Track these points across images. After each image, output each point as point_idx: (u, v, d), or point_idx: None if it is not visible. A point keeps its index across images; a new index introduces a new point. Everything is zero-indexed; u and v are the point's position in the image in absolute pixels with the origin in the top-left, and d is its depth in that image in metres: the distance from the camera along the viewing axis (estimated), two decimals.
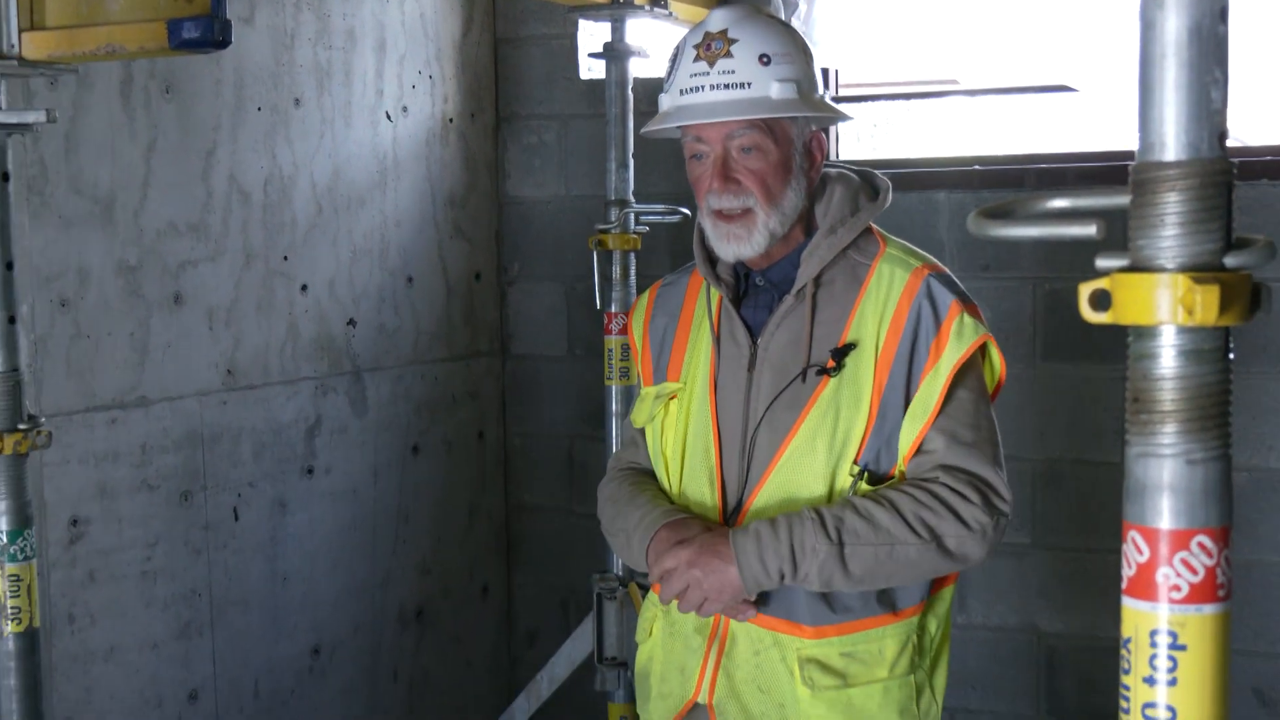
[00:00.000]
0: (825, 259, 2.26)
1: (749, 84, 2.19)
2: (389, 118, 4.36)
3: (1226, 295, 1.09)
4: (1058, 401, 4.18)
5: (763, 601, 2.24)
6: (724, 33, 2.20)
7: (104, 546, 3.54)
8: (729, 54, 2.19)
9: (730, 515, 2.31)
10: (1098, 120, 4.18)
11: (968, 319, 2.22)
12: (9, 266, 2.71)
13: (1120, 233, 1.13)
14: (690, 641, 2.34)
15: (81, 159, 3.45)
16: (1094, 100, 4.10)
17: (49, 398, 3.33)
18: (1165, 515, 1.12)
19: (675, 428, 2.39)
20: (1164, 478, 1.13)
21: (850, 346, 2.22)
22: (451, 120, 4.62)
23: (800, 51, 2.26)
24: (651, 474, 2.52)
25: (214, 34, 2.38)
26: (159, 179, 3.65)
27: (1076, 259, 4.12)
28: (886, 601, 2.25)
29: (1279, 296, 3.51)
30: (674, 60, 2.30)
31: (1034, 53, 4.10)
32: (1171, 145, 1.10)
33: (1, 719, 2.85)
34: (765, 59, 2.19)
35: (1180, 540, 1.13)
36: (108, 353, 3.53)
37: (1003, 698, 4.35)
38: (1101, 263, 1.15)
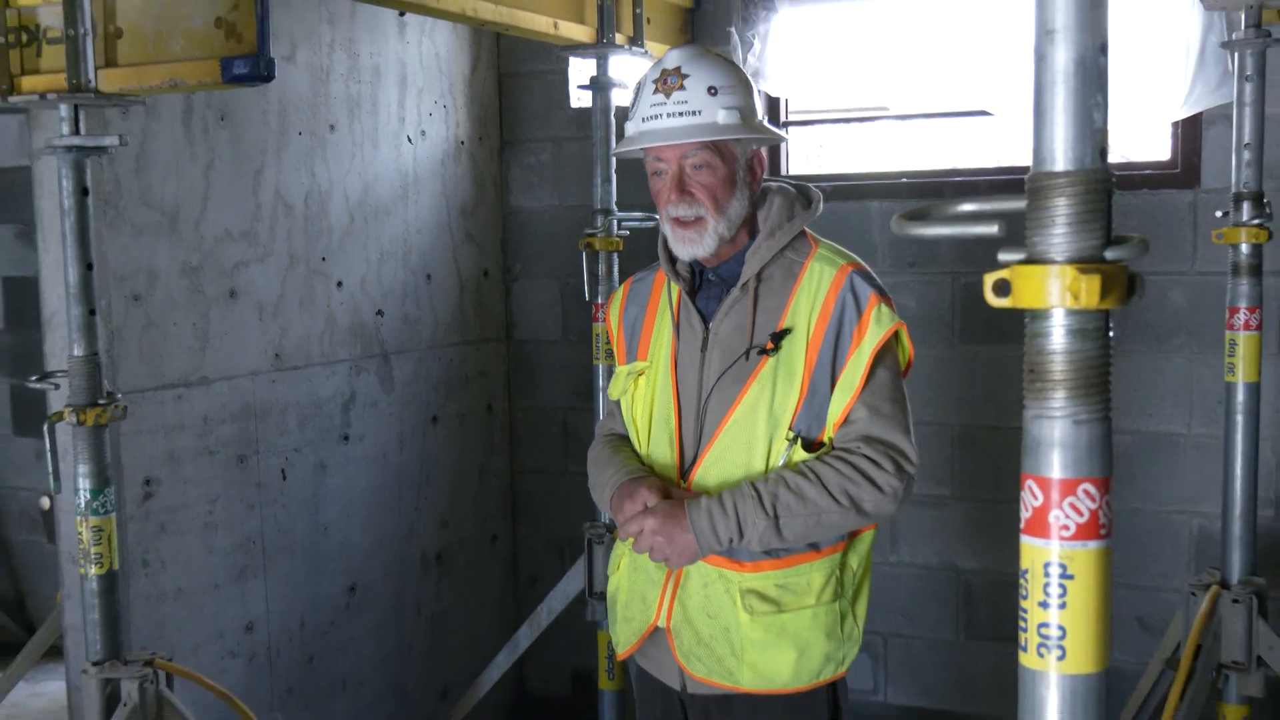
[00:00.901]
0: (765, 258, 2.31)
1: (699, 111, 2.23)
2: (410, 141, 4.35)
3: (1106, 283, 1.10)
4: (973, 377, 4.20)
5: None
6: (678, 69, 2.26)
7: (172, 503, 3.54)
8: (682, 87, 2.24)
9: (686, 468, 2.37)
10: (1010, 140, 4.18)
11: (884, 309, 2.26)
12: (89, 267, 2.71)
13: (1019, 232, 1.14)
14: (651, 575, 2.38)
15: (150, 177, 3.44)
16: (1007, 122, 4.10)
17: (124, 378, 3.32)
18: (1056, 466, 1.13)
19: (644, 399, 2.43)
20: (1055, 436, 1.14)
21: (786, 331, 2.27)
22: (463, 143, 4.61)
23: (742, 84, 2.30)
24: (627, 439, 2.56)
25: (260, 70, 2.38)
26: (216, 193, 3.64)
27: (988, 256, 4.08)
28: (812, 543, 2.30)
29: (1153, 286, 3.52)
30: (637, 93, 2.35)
31: (956, 80, 4.08)
32: (1060, 158, 1.11)
33: (87, 648, 2.86)
34: (713, 90, 2.24)
35: (1068, 487, 1.14)
36: (174, 340, 3.52)
37: (928, 624, 4.37)
38: (1003, 257, 1.16)
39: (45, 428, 2.78)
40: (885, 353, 2.26)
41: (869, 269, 2.35)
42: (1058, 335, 1.13)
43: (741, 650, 2.28)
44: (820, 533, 2.24)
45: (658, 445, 2.42)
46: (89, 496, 2.75)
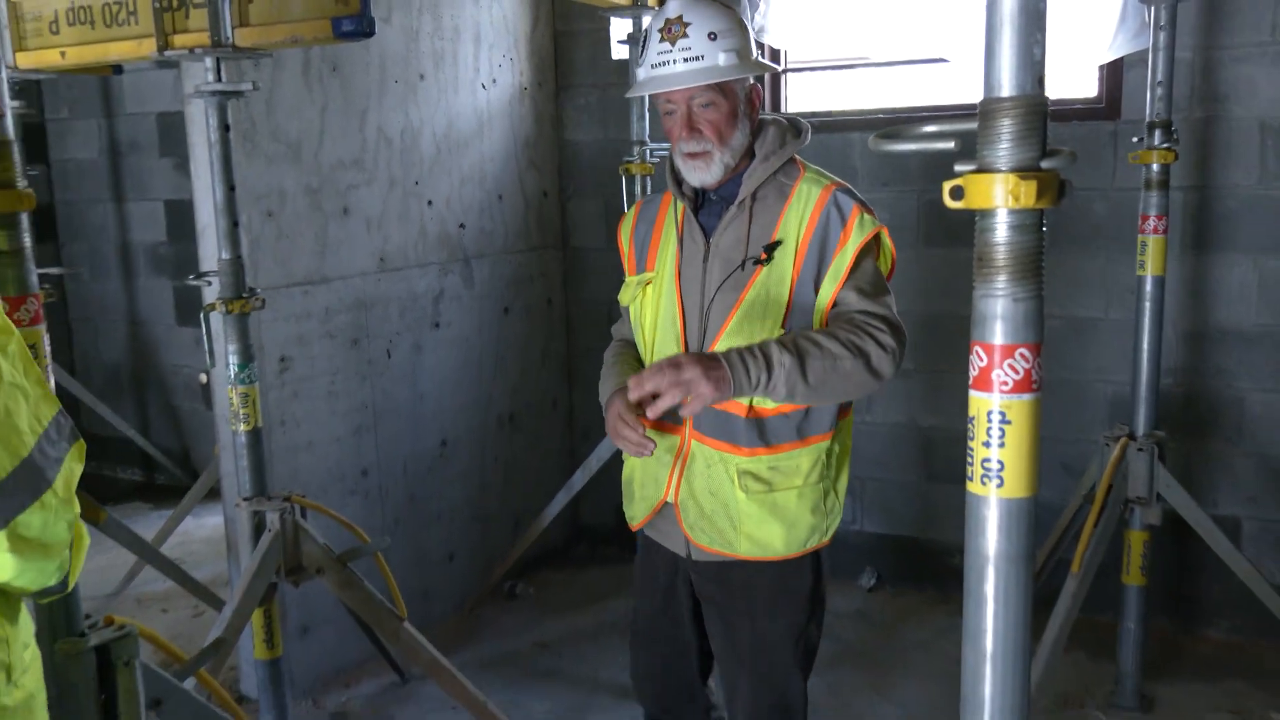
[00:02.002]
0: (760, 179, 2.16)
1: (702, 56, 2.09)
2: (484, 87, 4.31)
3: (1041, 188, 1.10)
4: (933, 273, 4.17)
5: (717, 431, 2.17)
6: (680, 18, 2.10)
7: (302, 375, 3.59)
8: (685, 34, 2.09)
9: None
10: (962, 81, 4.10)
11: (866, 217, 2.11)
12: (232, 189, 2.73)
13: (971, 152, 1.13)
14: (662, 459, 2.23)
15: (277, 116, 3.43)
16: (960, 67, 4.02)
17: (262, 277, 3.35)
18: (998, 334, 1.14)
19: (651, 304, 2.28)
20: (998, 310, 1.14)
21: (778, 243, 2.12)
22: (525, 89, 4.56)
23: (739, 26, 2.14)
24: (633, 344, 2.41)
25: (363, 27, 2.37)
26: (330, 130, 3.63)
27: (945, 174, 4.07)
28: (802, 431, 2.16)
29: (1080, 200, 3.46)
30: (644, 42, 2.18)
31: (920, 33, 4.01)
32: (1006, 85, 1.10)
33: (239, 488, 2.92)
34: (713, 36, 2.09)
35: (1008, 351, 1.14)
36: (300, 247, 3.55)
37: (896, 469, 4.41)
38: (958, 168, 1.15)
39: (202, 317, 2.82)
40: (867, 251, 2.12)
41: (851, 188, 2.20)
42: (1001, 230, 1.13)
43: (739, 523, 2.17)
44: (836, 383, 2.00)
45: (664, 345, 2.24)
46: (237, 370, 2.79)
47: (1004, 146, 1.09)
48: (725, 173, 2.17)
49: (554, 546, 4.84)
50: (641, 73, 2.19)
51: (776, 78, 4.43)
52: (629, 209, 2.45)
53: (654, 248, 2.30)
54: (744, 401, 2.11)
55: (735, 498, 2.16)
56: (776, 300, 2.12)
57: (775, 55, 4.39)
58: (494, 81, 4.35)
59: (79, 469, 1.46)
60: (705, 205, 2.25)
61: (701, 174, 2.16)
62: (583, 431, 4.96)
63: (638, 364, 2.35)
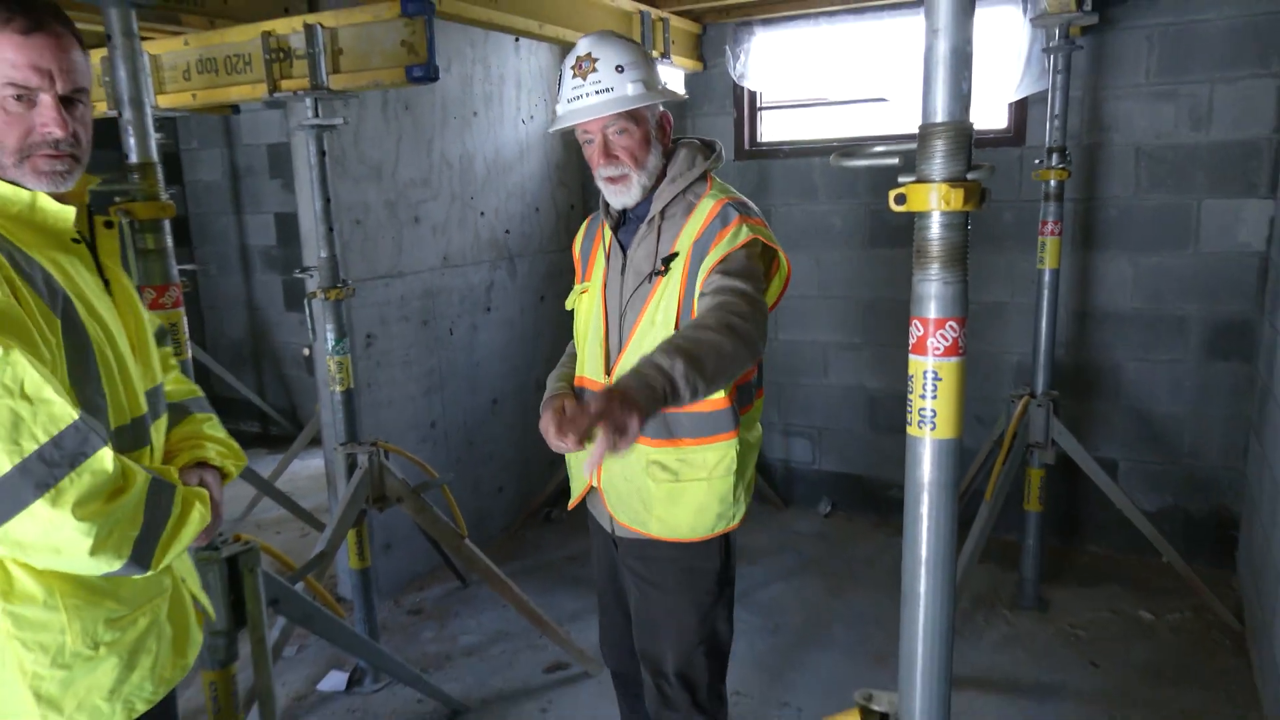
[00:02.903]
0: (666, 199, 1.88)
1: (611, 88, 1.82)
2: (523, 122, 4.28)
3: (968, 194, 1.09)
4: (877, 269, 4.15)
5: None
6: (589, 54, 1.83)
7: (383, 349, 3.59)
8: (595, 69, 1.82)
9: (610, 367, 1.93)
10: (899, 117, 4.06)
11: (744, 227, 1.80)
12: (328, 202, 2.72)
13: (911, 167, 1.12)
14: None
15: (362, 145, 3.41)
16: (897, 106, 3.98)
17: (352, 272, 3.35)
18: (932, 310, 1.13)
19: (585, 311, 2.01)
20: (932, 291, 1.13)
21: (674, 255, 1.84)
22: None
23: (644, 59, 1.86)
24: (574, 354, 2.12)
25: (430, 73, 2.35)
26: (404, 156, 3.61)
27: (888, 190, 4.04)
28: (707, 429, 1.87)
29: (993, 210, 3.44)
30: (560, 80, 1.90)
31: (866, 79, 3.96)
32: (940, 113, 1.08)
33: (336, 436, 2.92)
34: (620, 68, 1.82)
35: (940, 324, 1.13)
36: (381, 248, 3.53)
37: (846, 421, 4.40)
38: (901, 179, 1.13)
39: (305, 302, 2.82)
40: (742, 249, 1.79)
41: (749, 204, 1.88)
42: (935, 229, 1.12)
43: (650, 506, 1.91)
44: (727, 364, 1.65)
45: (593, 348, 1.98)
46: (334, 344, 2.79)
47: (938, 161, 1.08)
48: (643, 193, 1.90)
49: None
50: (560, 109, 1.91)
51: (755, 114, 4.38)
52: (582, 224, 2.19)
53: (592, 261, 2.05)
54: None
55: (646, 485, 1.90)
56: (668, 307, 1.85)
57: (753, 97, 4.35)
58: (531, 118, 4.32)
59: (95, 478, 1.24)
60: (625, 223, 1.98)
61: (622, 196, 1.90)
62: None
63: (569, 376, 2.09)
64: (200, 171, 6.10)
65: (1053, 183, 3.20)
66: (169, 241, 1.89)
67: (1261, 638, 2.89)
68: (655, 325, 1.86)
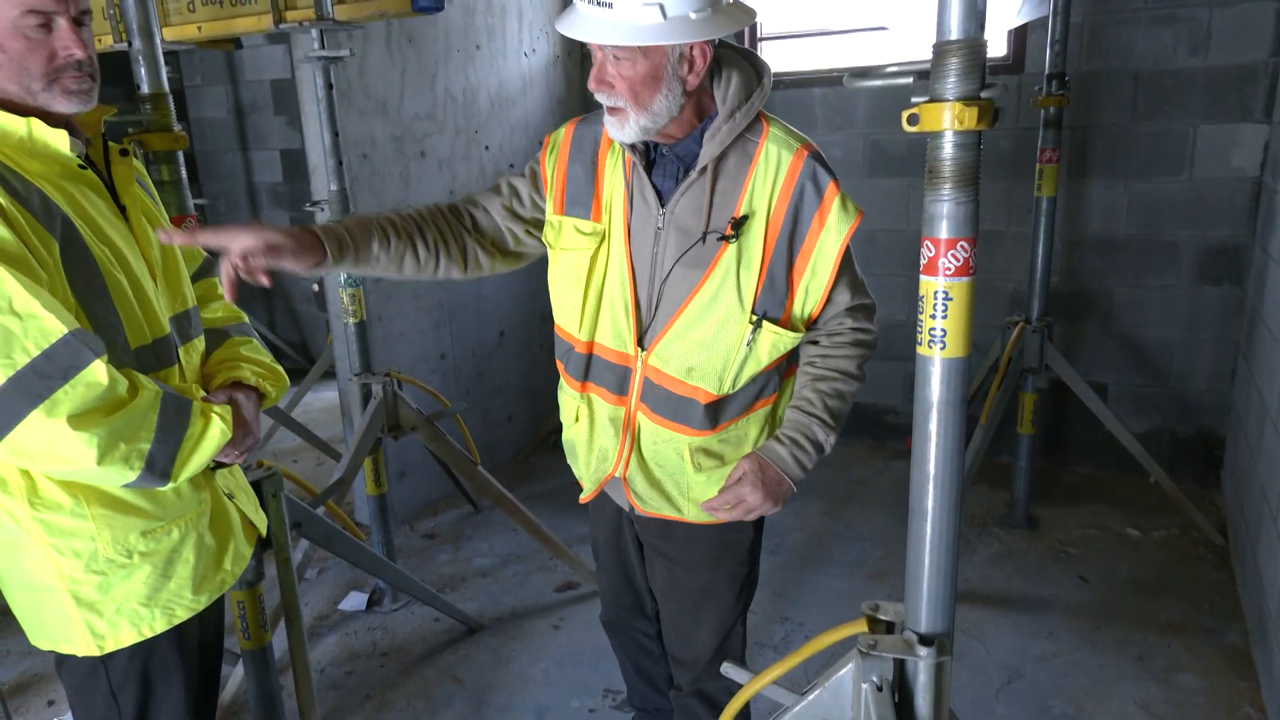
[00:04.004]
0: (725, 141, 1.47)
1: (614, 5, 1.36)
2: (525, 56, 4.17)
3: (981, 113, 1.06)
4: (875, 198, 4.09)
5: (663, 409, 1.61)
6: None
7: (394, 282, 3.56)
8: None
9: (642, 339, 1.58)
10: (899, 46, 3.97)
11: (848, 202, 1.50)
12: (335, 135, 2.67)
13: (919, 92, 1.08)
14: (608, 430, 1.65)
15: (368, 78, 3.33)
16: (897, 34, 3.89)
17: (361, 206, 3.29)
18: (944, 230, 1.11)
19: (600, 264, 1.58)
20: (944, 211, 1.11)
21: (745, 218, 1.48)
22: (558, 57, 4.41)
23: None
24: (446, 219, 1.64)
25: (436, 3, 2.27)
26: (408, 89, 3.53)
27: (885, 121, 3.98)
28: (750, 402, 1.62)
29: (990, 137, 3.34)
30: None
31: (868, 7, 3.86)
32: (955, 30, 1.04)
33: (350, 367, 2.91)
34: None
35: (951, 244, 1.11)
36: (389, 183, 3.48)
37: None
38: (915, 99, 1.10)
39: None
40: (849, 246, 1.54)
41: (820, 151, 1.53)
42: (948, 148, 1.09)
43: (688, 491, 1.65)
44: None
45: (611, 307, 1.58)
46: (346, 277, 2.76)
47: (952, 80, 1.05)
48: (645, 136, 1.48)
49: None
50: (568, 9, 1.46)
51: (755, 45, 4.27)
52: (559, 129, 1.66)
53: (598, 195, 1.58)
54: (702, 387, 1.57)
55: (685, 471, 1.64)
56: (746, 284, 1.51)
57: (754, 27, 4.24)
58: (533, 51, 4.22)
59: (90, 389, 1.24)
60: (658, 161, 1.54)
61: (616, 131, 1.48)
62: None
63: (406, 232, 1.59)
64: (205, 108, 5.98)
65: (1051, 110, 3.13)
66: (183, 173, 1.85)
67: (1245, 552, 2.94)
68: (721, 303, 1.51)
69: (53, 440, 1.22)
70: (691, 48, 1.41)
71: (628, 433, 1.64)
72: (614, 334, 1.60)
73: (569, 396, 1.72)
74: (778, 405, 1.66)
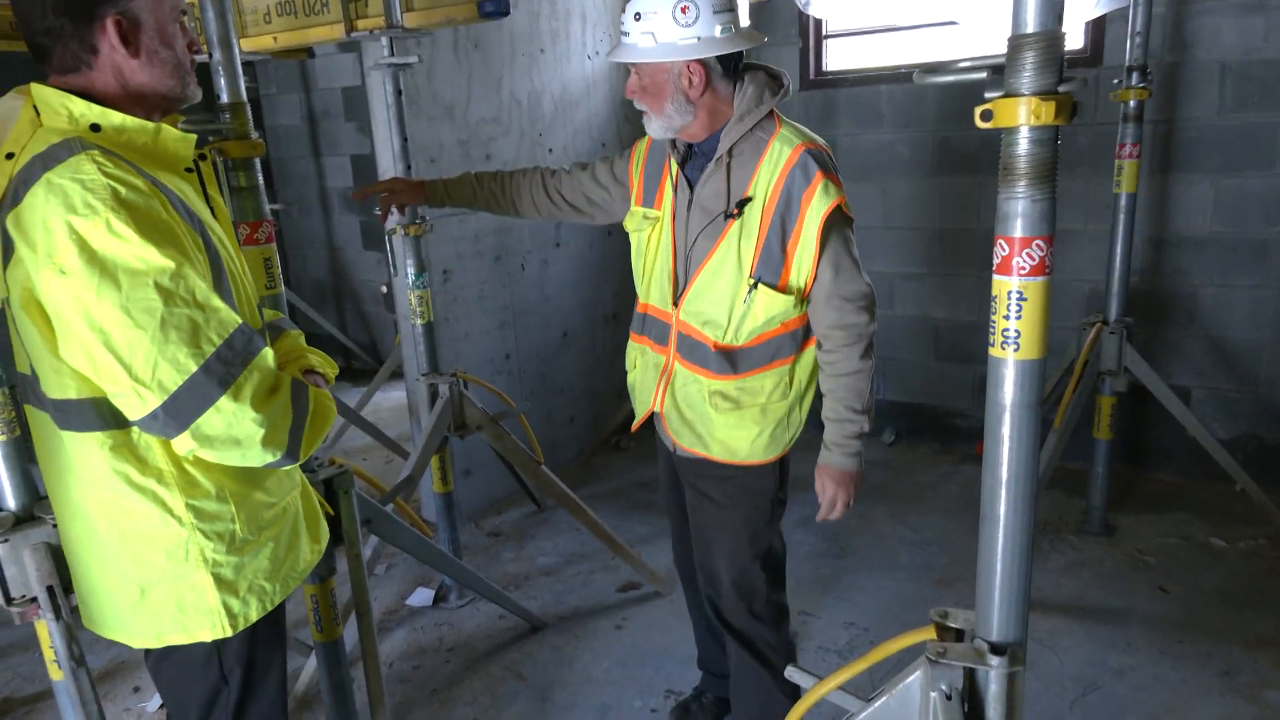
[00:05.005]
0: (735, 138, 1.83)
1: (629, 34, 1.79)
2: (589, 58, 4.19)
3: (1059, 107, 1.03)
4: (943, 197, 4.01)
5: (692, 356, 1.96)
6: None
7: (460, 284, 3.62)
8: (625, 8, 1.80)
9: (678, 296, 1.95)
10: (968, 41, 3.88)
11: (830, 185, 1.77)
12: (404, 140, 2.71)
13: (993, 85, 1.06)
14: (651, 374, 2.04)
15: (436, 83, 3.39)
16: (966, 28, 3.81)
17: (431, 209, 3.36)
18: (1019, 228, 1.08)
19: (654, 241, 1.98)
20: (1019, 209, 1.08)
21: (748, 200, 1.82)
22: None
23: (670, 6, 1.74)
24: (552, 185, 2.22)
25: (501, 8, 2.31)
26: (475, 94, 3.58)
27: (955, 119, 3.90)
28: (765, 358, 1.91)
29: (1068, 132, 3.26)
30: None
31: (935, 2, 3.78)
32: (1031, 23, 1.02)
33: (418, 367, 2.97)
34: (638, 16, 1.76)
35: (1026, 242, 1.09)
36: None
37: (910, 351, 4.32)
38: (988, 95, 1.08)
39: (386, 238, 2.84)
40: (833, 219, 1.79)
41: (823, 148, 1.83)
42: (1023, 144, 1.06)
43: (712, 431, 1.95)
44: (869, 383, 1.88)
45: (660, 280, 1.98)
46: (414, 279, 2.81)
47: (1027, 74, 1.02)
48: (668, 134, 1.87)
49: None
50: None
51: (820, 43, 4.23)
52: (641, 140, 2.10)
53: (661, 189, 1.99)
54: (711, 336, 1.90)
55: (708, 412, 1.94)
56: (745, 252, 1.84)
57: (818, 25, 4.19)
58: (596, 53, 4.24)
59: (262, 375, 1.31)
60: (692, 158, 1.94)
61: (648, 129, 1.88)
62: None
63: (506, 193, 2.25)
64: (280, 116, 6.16)
65: (1132, 103, 3.03)
66: (260, 179, 1.91)
67: None
68: (726, 267, 1.85)
69: (232, 423, 1.27)
70: (687, 66, 1.78)
71: (664, 376, 2.00)
72: (659, 295, 1.99)
73: (631, 346, 2.13)
74: (794, 367, 1.93)
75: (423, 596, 3.19)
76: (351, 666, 2.23)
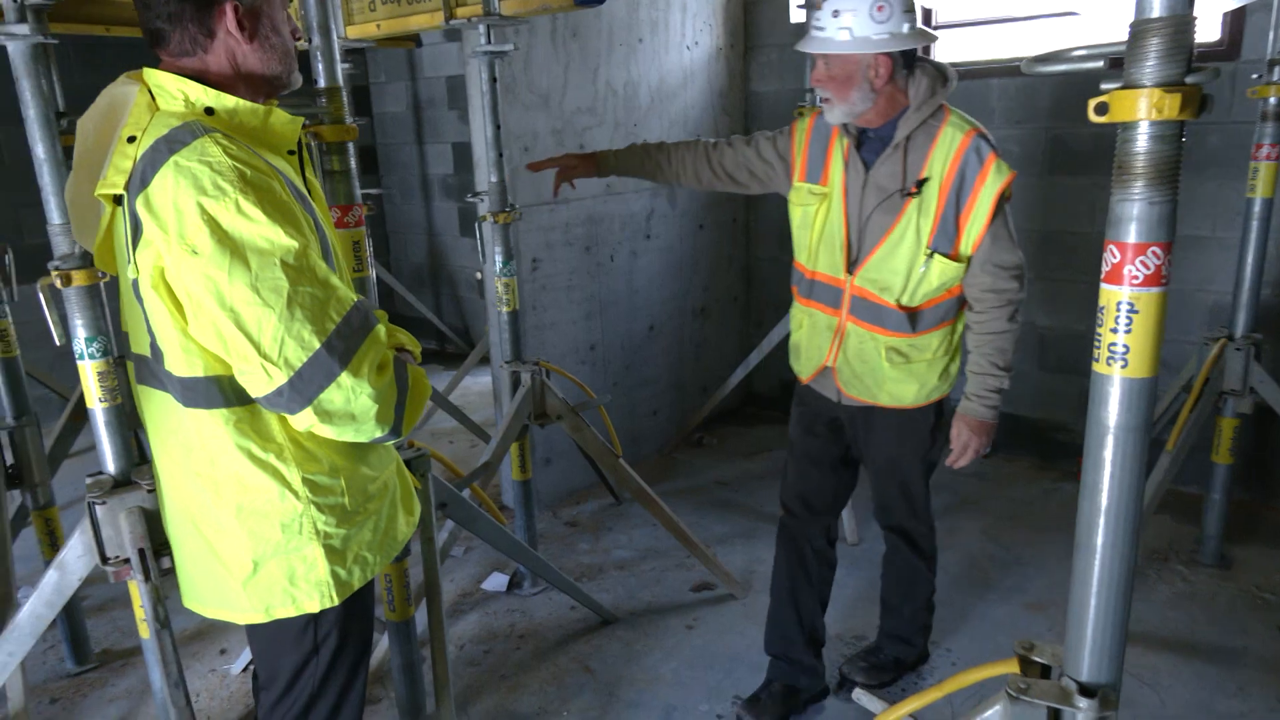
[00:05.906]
0: (912, 126, 2.05)
1: (824, 28, 1.99)
2: (688, 49, 4.15)
3: (1185, 100, 0.93)
4: (1055, 198, 3.80)
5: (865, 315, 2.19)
6: None
7: (548, 273, 3.63)
8: (820, 7, 2.00)
9: (851, 267, 2.17)
10: (1089, 30, 3.66)
11: (1002, 164, 2.02)
12: (498, 128, 2.72)
13: (1109, 77, 0.97)
14: (824, 334, 2.25)
15: (532, 72, 3.40)
16: (1086, 18, 3.60)
17: (520, 198, 3.38)
18: (1132, 233, 0.98)
19: (821, 214, 2.20)
20: (1134, 213, 0.98)
21: (926, 180, 2.05)
22: (720, 49, 4.36)
23: (865, 6, 1.96)
24: (716, 149, 2.40)
25: None
26: (571, 83, 3.58)
27: (1070, 114, 3.68)
28: (935, 320, 2.16)
29: (1197, 131, 3.03)
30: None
31: None
32: (1158, 7, 0.92)
33: (502, 354, 2.99)
34: (836, 13, 1.97)
35: (1140, 249, 0.99)
36: (548, 176, 3.54)
37: (1015, 358, 4.12)
38: (1104, 86, 0.98)
39: (476, 225, 2.86)
40: (1004, 198, 2.05)
41: (987, 133, 2.07)
42: (1142, 141, 0.96)
43: (882, 382, 2.19)
44: (1014, 345, 2.17)
45: (829, 245, 2.19)
46: (501, 266, 2.83)
47: (1151, 63, 0.93)
48: (847, 119, 2.08)
49: (731, 408, 4.81)
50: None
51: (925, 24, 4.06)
52: (805, 117, 2.29)
53: (827, 166, 2.19)
54: (891, 300, 2.13)
55: (881, 366, 2.17)
56: (923, 226, 2.06)
57: (926, 15, 4.03)
58: (696, 44, 4.19)
59: (376, 351, 1.34)
60: (865, 142, 2.14)
61: (828, 114, 2.09)
62: (756, 321, 4.86)
63: (662, 162, 2.44)
64: (387, 104, 6.33)
65: (1272, 100, 2.79)
66: (353, 163, 1.94)
67: None
68: (905, 239, 2.07)
69: (350, 397, 1.30)
70: (876, 58, 1.99)
71: (837, 336, 2.22)
72: (829, 263, 2.20)
73: (797, 309, 2.34)
74: (955, 327, 2.20)
75: (497, 581, 3.22)
76: (422, 646, 2.25)
